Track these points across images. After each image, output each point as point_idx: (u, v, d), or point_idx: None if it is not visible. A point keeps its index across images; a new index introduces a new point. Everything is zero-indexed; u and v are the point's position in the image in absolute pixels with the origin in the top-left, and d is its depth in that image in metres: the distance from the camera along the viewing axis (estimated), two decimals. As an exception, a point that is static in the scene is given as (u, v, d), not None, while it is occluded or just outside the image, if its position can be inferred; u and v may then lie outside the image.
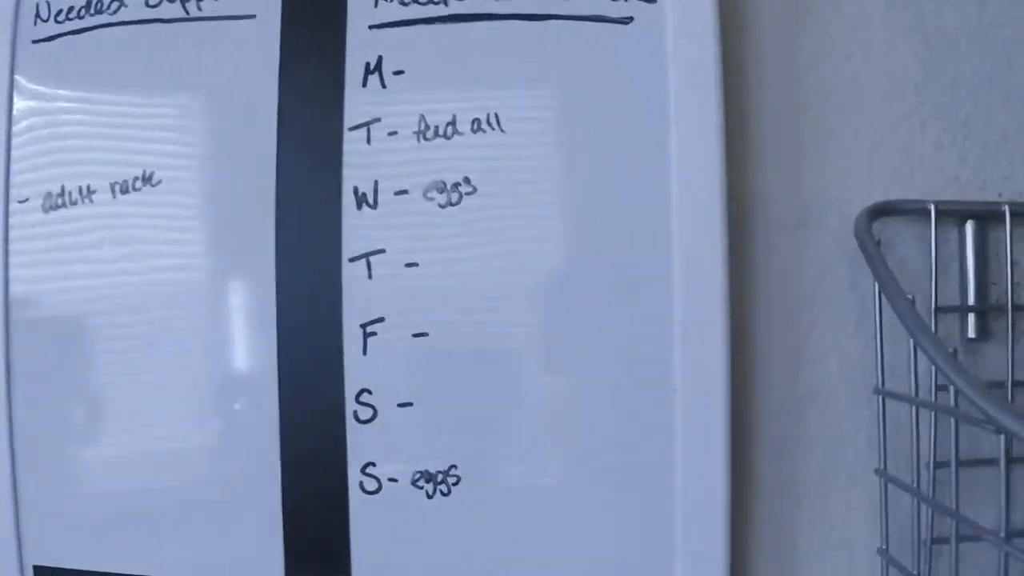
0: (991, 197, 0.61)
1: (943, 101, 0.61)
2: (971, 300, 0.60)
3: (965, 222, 0.60)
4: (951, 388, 0.50)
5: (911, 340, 0.54)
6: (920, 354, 0.54)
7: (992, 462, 0.51)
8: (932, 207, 0.58)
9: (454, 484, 0.57)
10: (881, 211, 0.59)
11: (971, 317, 0.60)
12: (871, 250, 0.57)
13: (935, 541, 0.56)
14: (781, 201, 0.61)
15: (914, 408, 0.57)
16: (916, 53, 0.61)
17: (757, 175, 0.61)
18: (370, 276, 0.57)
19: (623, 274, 0.56)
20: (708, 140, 0.56)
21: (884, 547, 0.57)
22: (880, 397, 0.57)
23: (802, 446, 0.60)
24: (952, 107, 0.61)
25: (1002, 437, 0.46)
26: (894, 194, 0.61)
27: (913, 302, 0.54)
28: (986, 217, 0.60)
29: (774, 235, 0.61)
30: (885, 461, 0.57)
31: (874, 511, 0.59)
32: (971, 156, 0.61)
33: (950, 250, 0.60)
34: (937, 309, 0.58)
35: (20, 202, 0.62)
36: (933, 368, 0.55)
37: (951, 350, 0.52)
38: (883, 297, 0.56)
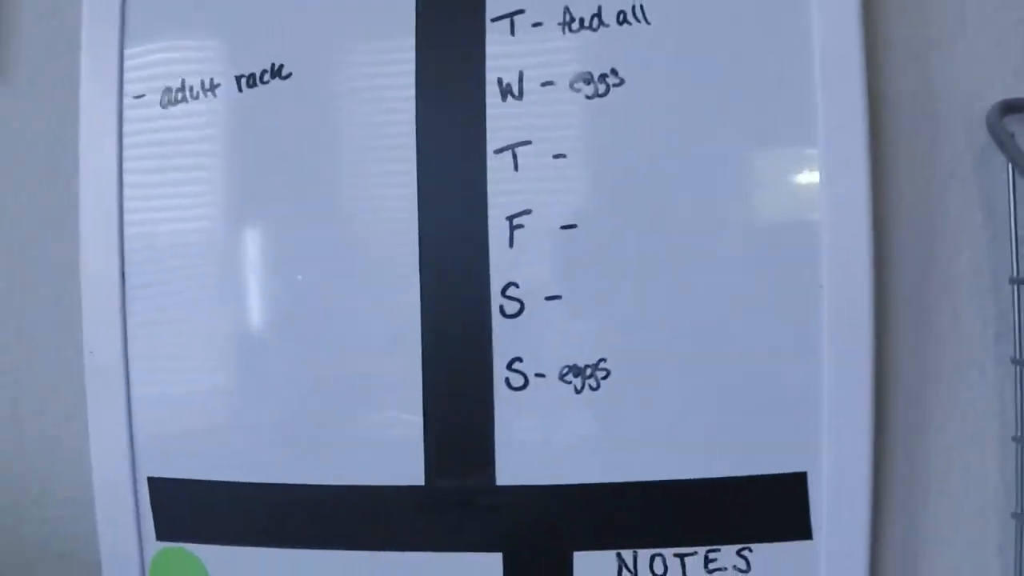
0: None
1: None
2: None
3: (1088, 121, 0.61)
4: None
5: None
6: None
7: None
8: (1058, 104, 0.59)
9: (603, 378, 0.56)
10: (1009, 108, 0.60)
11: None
12: (1006, 140, 0.57)
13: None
14: (909, 99, 0.61)
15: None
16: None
17: (886, 72, 0.61)
18: (516, 168, 0.56)
19: (770, 169, 0.56)
20: (849, 36, 0.56)
21: (1019, 434, 0.59)
22: (1015, 286, 0.58)
23: (935, 339, 0.61)
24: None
25: None
26: (1016, 93, 0.61)
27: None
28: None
29: (905, 132, 0.61)
30: (1021, 349, 0.58)
31: (1004, 403, 0.60)
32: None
33: (1072, 151, 0.61)
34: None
35: (136, 97, 0.59)
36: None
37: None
38: (1016, 188, 0.57)
